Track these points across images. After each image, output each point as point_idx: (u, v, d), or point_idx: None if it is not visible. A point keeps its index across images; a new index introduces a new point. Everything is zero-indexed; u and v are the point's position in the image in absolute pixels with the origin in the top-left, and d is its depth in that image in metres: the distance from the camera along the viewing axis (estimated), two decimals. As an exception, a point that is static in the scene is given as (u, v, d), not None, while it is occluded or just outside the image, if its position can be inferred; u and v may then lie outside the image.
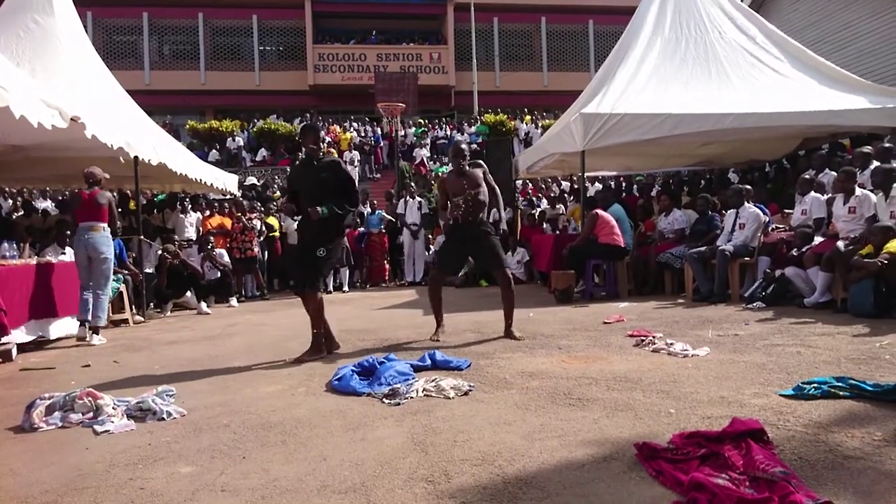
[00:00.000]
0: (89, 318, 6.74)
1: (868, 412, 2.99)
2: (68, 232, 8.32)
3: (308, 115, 26.29)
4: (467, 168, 5.78)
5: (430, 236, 13.21)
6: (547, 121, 23.54)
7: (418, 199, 13.32)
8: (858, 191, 6.66)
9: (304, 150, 5.38)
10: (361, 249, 12.78)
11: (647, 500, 2.19)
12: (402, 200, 13.37)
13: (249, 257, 11.10)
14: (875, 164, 7.22)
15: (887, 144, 7.95)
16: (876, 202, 6.46)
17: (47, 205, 14.88)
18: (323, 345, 5.28)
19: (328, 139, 24.41)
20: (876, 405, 3.07)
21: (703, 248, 7.81)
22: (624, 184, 14.30)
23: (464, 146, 6.01)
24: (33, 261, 6.80)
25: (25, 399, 3.78)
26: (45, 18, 8.39)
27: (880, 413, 2.96)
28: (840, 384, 3.29)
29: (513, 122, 25.21)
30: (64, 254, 7.81)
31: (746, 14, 10.44)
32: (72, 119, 6.18)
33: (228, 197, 12.96)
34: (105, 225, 6.92)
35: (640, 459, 2.50)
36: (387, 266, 13.23)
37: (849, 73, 9.86)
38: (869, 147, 7.88)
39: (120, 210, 11.15)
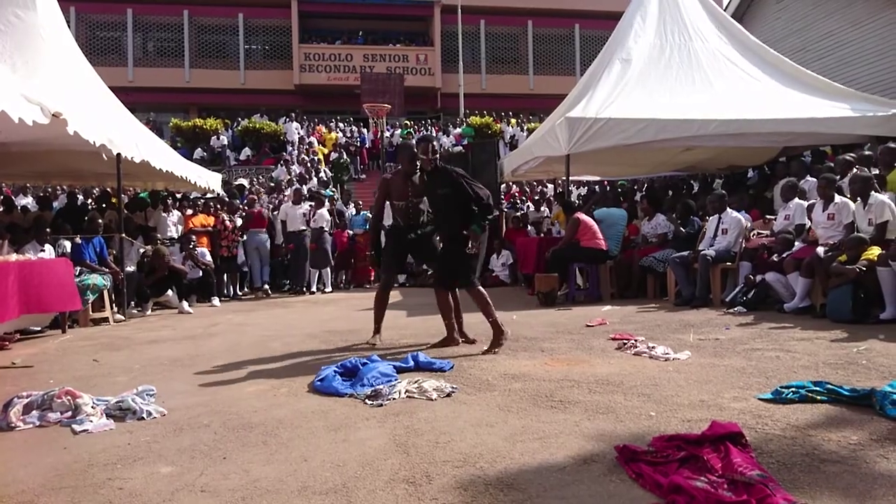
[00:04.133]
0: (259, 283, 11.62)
1: (845, 416, 3.04)
2: (48, 229, 8.22)
3: (293, 113, 26.15)
4: (416, 176, 5.60)
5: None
6: (532, 124, 23.62)
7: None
8: (837, 198, 6.74)
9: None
10: (348, 250, 12.75)
11: (626, 503, 2.21)
12: None
13: (235, 255, 11.40)
14: (855, 171, 7.32)
15: (867, 152, 8.06)
16: (854, 209, 6.55)
17: (28, 201, 14.67)
18: (503, 332, 5.18)
19: (314, 139, 24.34)
20: (852, 409, 3.12)
21: (685, 253, 7.88)
22: (608, 188, 14.38)
23: (417, 150, 5.80)
24: (13, 257, 6.71)
25: (3, 397, 3.72)
26: (27, 13, 8.24)
27: (856, 417, 3.01)
28: (818, 388, 3.34)
29: (498, 125, 25.28)
30: (43, 251, 7.69)
31: (728, 23, 10.56)
32: (53, 115, 6.11)
33: (210, 195, 12.89)
34: (264, 229, 11.68)
35: (621, 462, 2.52)
36: (371, 268, 13.18)
37: (830, 81, 9.99)
38: (851, 154, 7.99)
39: (104, 205, 11.10)
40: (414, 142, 5.70)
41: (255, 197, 13.00)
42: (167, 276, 9.19)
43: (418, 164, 5.44)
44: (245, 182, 18.04)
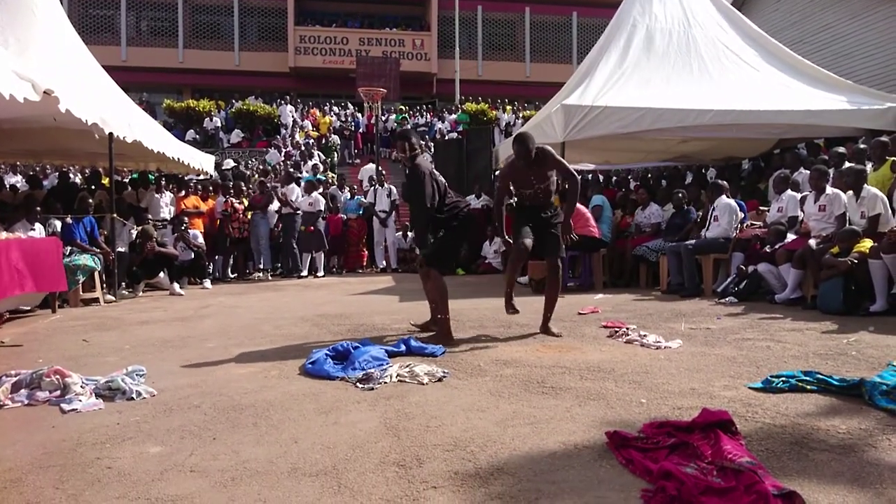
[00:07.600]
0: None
1: (833, 406, 3.05)
2: (38, 208, 8.15)
3: (288, 96, 25.97)
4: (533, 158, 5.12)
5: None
6: (528, 111, 23.53)
7: (388, 186, 13.25)
8: (829, 189, 6.76)
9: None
10: (341, 235, 12.72)
11: (616, 488, 2.21)
12: (371, 188, 13.31)
13: (246, 238, 11.61)
14: (847, 164, 7.33)
15: (861, 146, 8.08)
16: (846, 201, 6.56)
17: (17, 180, 14.55)
18: (439, 327, 5.08)
19: (307, 122, 24.20)
20: (841, 399, 3.14)
21: (676, 242, 7.89)
22: (602, 177, 14.37)
23: (529, 136, 5.26)
24: (2, 235, 6.65)
25: (-9, 376, 3.70)
26: (19, -11, 8.15)
27: (845, 407, 3.03)
28: (807, 378, 3.35)
29: (494, 112, 25.17)
30: (33, 230, 7.64)
31: (728, 12, 10.51)
32: (45, 92, 6.03)
33: (205, 177, 12.83)
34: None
35: (611, 448, 2.53)
36: (364, 252, 13.16)
37: (829, 72, 9.97)
38: (843, 147, 8.00)
39: (93, 187, 11.02)
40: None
41: (266, 183, 12.97)
42: (159, 257, 9.14)
43: (532, 151, 5.09)
44: (233, 162, 18.04)
